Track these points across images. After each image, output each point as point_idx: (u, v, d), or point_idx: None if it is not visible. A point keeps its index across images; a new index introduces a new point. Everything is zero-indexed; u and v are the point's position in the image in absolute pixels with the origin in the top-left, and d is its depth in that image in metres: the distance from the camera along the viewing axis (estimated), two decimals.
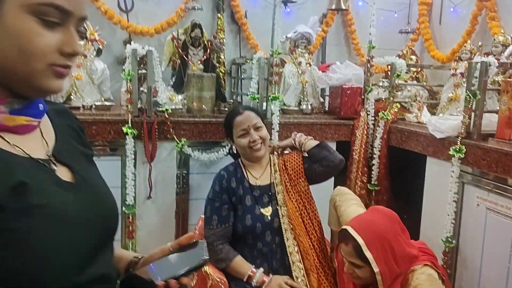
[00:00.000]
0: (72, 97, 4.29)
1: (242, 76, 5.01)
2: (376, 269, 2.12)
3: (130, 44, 4.14)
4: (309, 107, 4.73)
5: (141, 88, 4.08)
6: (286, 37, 4.93)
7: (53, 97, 4.03)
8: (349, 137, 4.30)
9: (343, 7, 4.45)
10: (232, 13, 5.16)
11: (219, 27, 4.99)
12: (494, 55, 4.17)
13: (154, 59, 3.94)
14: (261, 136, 2.90)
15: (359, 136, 4.24)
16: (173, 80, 4.61)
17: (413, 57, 5.04)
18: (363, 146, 4.21)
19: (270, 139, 4.11)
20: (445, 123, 3.45)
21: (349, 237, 2.29)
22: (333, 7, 4.51)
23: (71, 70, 1.05)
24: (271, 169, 3.07)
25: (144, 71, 4.01)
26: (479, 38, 4.76)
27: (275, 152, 3.13)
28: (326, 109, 4.75)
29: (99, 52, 4.48)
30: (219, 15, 5.00)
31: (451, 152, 3.30)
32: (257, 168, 3.07)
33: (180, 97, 4.40)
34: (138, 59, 3.98)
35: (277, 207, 2.84)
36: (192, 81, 4.22)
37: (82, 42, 4.37)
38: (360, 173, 4.42)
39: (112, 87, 4.61)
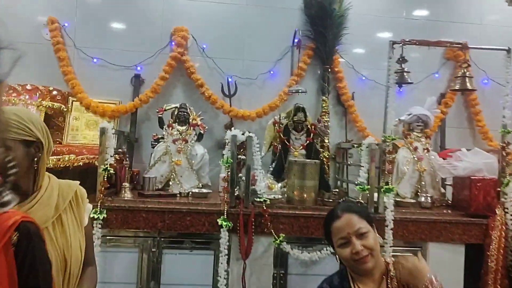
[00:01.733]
0: (170, 183, 4.16)
1: (349, 162, 4.53)
2: None
3: (231, 129, 3.98)
4: (429, 199, 4.05)
5: (240, 174, 3.81)
6: (399, 119, 4.43)
7: (151, 184, 3.93)
8: (481, 239, 3.54)
9: (469, 86, 3.88)
10: (337, 95, 4.84)
11: (323, 110, 4.68)
12: None
13: (253, 145, 3.67)
14: (367, 246, 2.26)
15: (495, 238, 3.46)
16: (273, 166, 4.30)
17: None
18: (501, 251, 3.40)
19: (383, 238, 3.50)
20: None
21: None
22: (457, 87, 3.95)
23: None
24: (387, 283, 2.45)
25: (243, 157, 3.76)
26: None
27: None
28: (449, 202, 3.96)
29: (200, 137, 4.37)
30: (323, 97, 4.72)
31: None
32: (367, 283, 2.43)
33: (279, 185, 4.05)
34: (238, 144, 3.74)
35: None
36: (293, 168, 3.85)
37: (183, 127, 4.32)
38: (498, 286, 3.53)
39: (211, 171, 4.43)
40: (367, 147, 3.74)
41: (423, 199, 4.05)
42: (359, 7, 4.84)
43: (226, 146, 3.65)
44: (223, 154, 3.65)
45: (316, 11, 4.68)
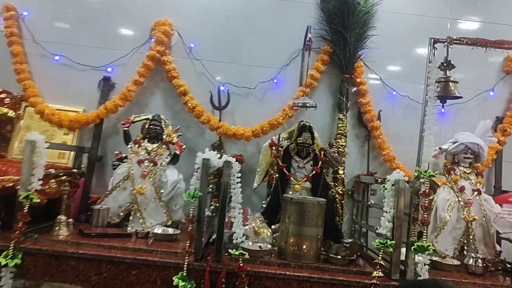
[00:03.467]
0: (131, 217, 3.18)
1: (370, 201, 3.43)
2: None
3: (219, 150, 2.99)
4: (479, 262, 2.89)
5: (208, 213, 2.80)
6: (440, 148, 3.33)
7: (101, 218, 2.99)
8: None
9: None
10: (359, 113, 3.79)
11: (339, 132, 3.66)
12: None
13: (233, 174, 2.65)
14: None
15: None
16: (266, 203, 3.26)
17: None
18: None
19: None
20: None
21: None
22: None
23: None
24: None
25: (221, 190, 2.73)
26: None
27: None
28: (508, 265, 3.18)
29: (175, 159, 3.42)
30: (340, 115, 3.69)
31: None
32: None
33: (272, 229, 3.02)
34: (214, 171, 2.75)
35: None
36: (288, 208, 2.82)
37: (154, 145, 3.36)
38: None
39: (187, 206, 3.39)
40: (393, 185, 2.65)
41: (471, 261, 2.90)
42: (391, 3, 3.85)
43: (195, 173, 2.65)
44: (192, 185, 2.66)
45: (335, 5, 3.70)
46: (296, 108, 3.64)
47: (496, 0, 3.96)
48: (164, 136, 3.42)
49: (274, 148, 3.34)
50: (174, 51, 3.82)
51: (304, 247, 2.77)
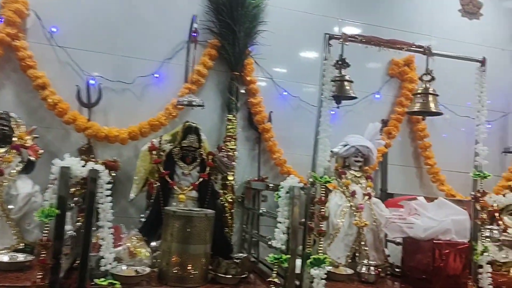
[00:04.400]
0: None
1: (262, 209, 3.17)
2: None
3: (88, 155, 2.49)
4: (372, 270, 2.79)
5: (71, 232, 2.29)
6: (331, 151, 3.16)
7: None
8: None
9: (433, 108, 2.68)
10: (249, 114, 3.50)
11: (229, 134, 3.34)
12: None
13: (100, 185, 2.15)
14: None
15: None
16: (145, 218, 2.80)
17: None
18: None
19: None
20: None
21: None
22: (416, 108, 2.74)
23: None
24: None
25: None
26: None
27: None
28: (396, 270, 3.09)
29: (29, 167, 2.77)
30: (230, 116, 3.35)
31: None
32: None
33: (151, 246, 2.57)
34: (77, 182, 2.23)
35: None
36: (171, 224, 2.39)
37: (1, 150, 2.69)
38: None
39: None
40: (287, 192, 2.38)
41: (364, 269, 2.78)
42: None
43: (50, 186, 2.09)
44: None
45: None
46: (180, 107, 3.23)
47: (382, 3, 4.01)
48: (15, 139, 2.76)
49: (154, 152, 2.89)
50: (31, 36, 3.15)
51: (189, 267, 2.38)
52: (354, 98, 2.68)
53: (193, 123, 2.96)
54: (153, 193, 2.86)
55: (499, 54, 4.15)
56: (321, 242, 2.50)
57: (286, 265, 2.37)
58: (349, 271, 2.89)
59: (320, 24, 3.72)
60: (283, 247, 2.42)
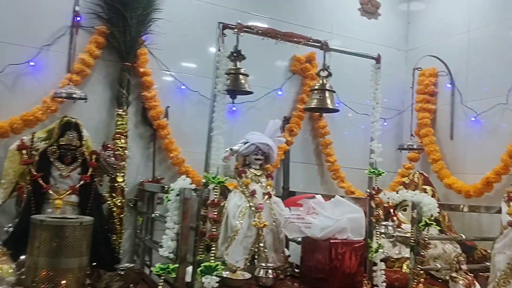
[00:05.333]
0: None
1: (155, 213, 2.92)
2: None
3: None
4: (270, 273, 2.67)
5: None
6: (231, 149, 3.01)
7: None
8: None
9: (330, 105, 2.62)
10: (143, 109, 3.24)
11: (119, 130, 3.04)
12: None
13: None
14: None
15: None
16: (13, 228, 2.42)
17: (428, 187, 3.24)
18: None
19: None
20: None
21: None
22: (313, 104, 2.66)
23: None
24: None
25: None
26: None
27: None
28: (296, 270, 2.98)
29: None
30: (120, 111, 3.05)
31: None
32: None
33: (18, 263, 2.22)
34: None
35: None
36: (38, 236, 2.05)
37: None
38: None
39: None
40: (177, 195, 2.16)
41: (261, 272, 2.65)
42: None
43: None
44: None
45: None
46: (61, 100, 2.85)
47: None
48: None
49: (24, 151, 2.51)
50: None
51: (63, 283, 2.06)
52: (250, 93, 2.53)
53: (73, 118, 2.63)
54: (23, 199, 2.48)
55: (395, 54, 4.31)
56: (213, 248, 2.32)
57: (174, 275, 2.15)
58: (247, 276, 2.75)
59: (221, 15, 3.53)
60: (171, 255, 2.20)
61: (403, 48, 4.38)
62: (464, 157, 3.70)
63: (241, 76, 2.42)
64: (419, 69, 3.86)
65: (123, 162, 2.96)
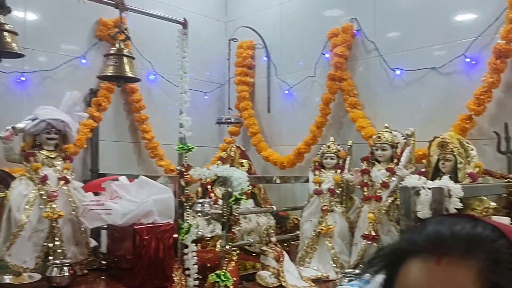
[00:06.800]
0: None
1: None
2: None
3: None
4: (65, 271, 2.29)
5: None
6: (13, 128, 2.49)
7: None
8: None
9: (129, 73, 2.27)
10: None
11: None
12: (380, 161, 2.64)
13: None
14: None
15: None
16: None
17: (245, 161, 3.18)
18: None
19: None
20: None
21: None
22: (109, 72, 2.27)
23: None
24: None
25: None
26: (334, 132, 3.26)
27: None
28: (103, 262, 2.66)
29: None
30: None
31: None
32: None
33: None
34: None
35: None
36: None
37: None
38: None
39: None
40: None
41: (55, 271, 2.26)
42: None
43: None
44: None
45: None
46: None
47: None
48: None
49: None
50: None
51: None
52: (21, 56, 2.04)
53: None
54: None
55: (215, 25, 4.13)
56: None
57: None
58: (37, 277, 2.31)
59: None
60: None
61: (223, 19, 4.24)
62: (279, 130, 3.75)
63: (5, 34, 1.91)
64: (235, 40, 3.73)
65: None
